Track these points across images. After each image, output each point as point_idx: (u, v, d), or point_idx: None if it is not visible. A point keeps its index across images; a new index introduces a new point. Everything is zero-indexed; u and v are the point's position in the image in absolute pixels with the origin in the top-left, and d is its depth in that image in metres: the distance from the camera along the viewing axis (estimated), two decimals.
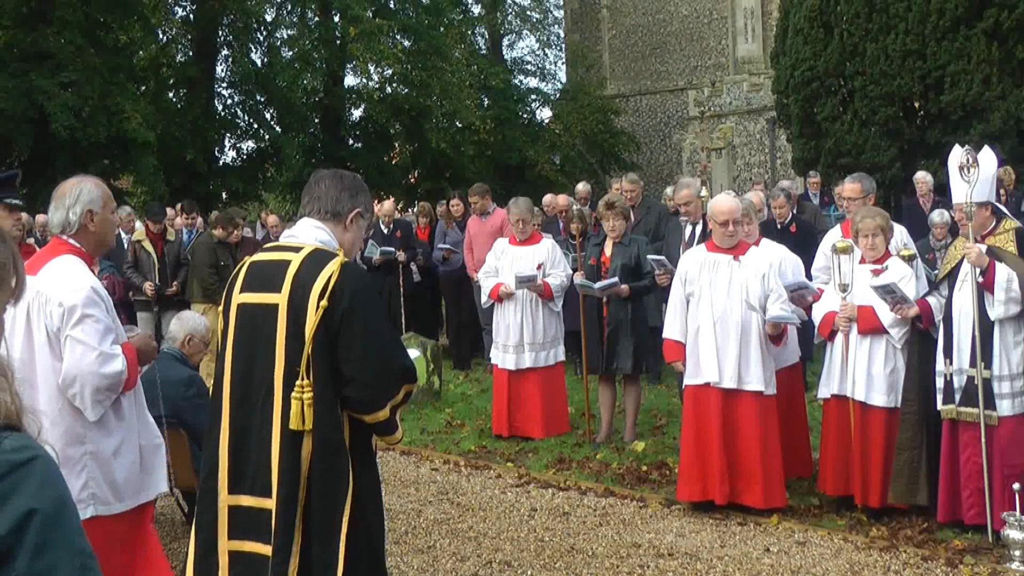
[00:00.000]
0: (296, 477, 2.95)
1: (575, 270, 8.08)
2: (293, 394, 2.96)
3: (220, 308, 3.25)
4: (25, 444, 1.49)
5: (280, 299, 3.02)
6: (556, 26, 33.92)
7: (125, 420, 3.64)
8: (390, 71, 25.07)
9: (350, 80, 26.88)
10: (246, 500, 3.04)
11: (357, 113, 26.99)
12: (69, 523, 1.49)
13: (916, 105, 15.41)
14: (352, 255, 3.31)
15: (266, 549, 2.98)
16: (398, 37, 25.09)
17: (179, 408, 5.37)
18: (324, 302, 2.95)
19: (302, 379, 2.95)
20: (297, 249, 3.11)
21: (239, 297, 3.14)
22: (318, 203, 3.22)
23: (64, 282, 3.52)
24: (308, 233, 3.17)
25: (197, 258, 10.20)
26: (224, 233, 10.39)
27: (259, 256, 3.24)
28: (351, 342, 2.97)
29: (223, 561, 3.05)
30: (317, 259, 3.04)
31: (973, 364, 5.35)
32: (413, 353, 3.37)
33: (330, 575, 2.93)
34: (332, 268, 2.99)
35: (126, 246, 10.61)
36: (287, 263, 3.06)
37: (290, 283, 3.02)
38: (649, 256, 7.81)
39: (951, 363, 5.47)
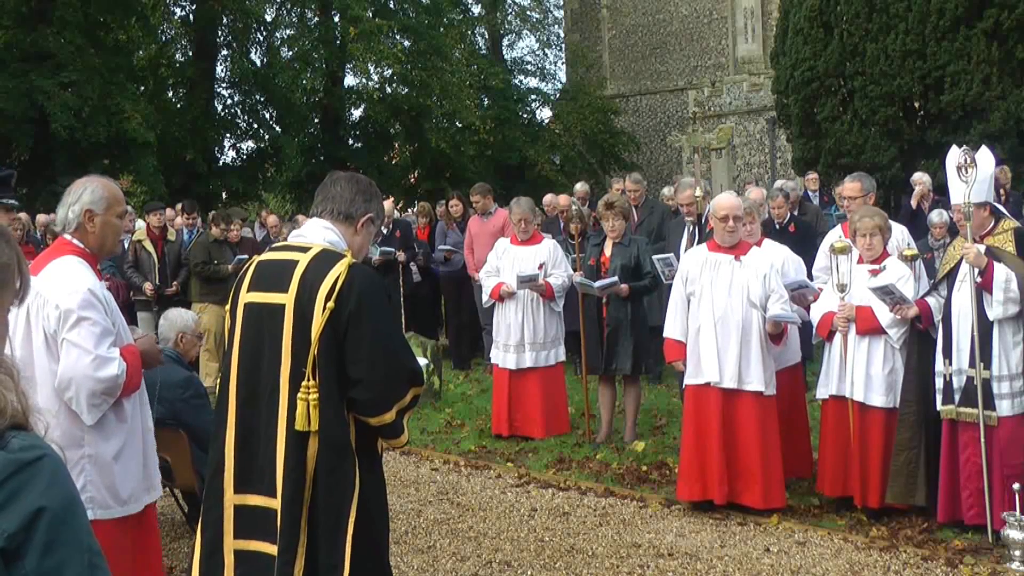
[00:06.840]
0: (301, 477, 2.94)
1: (574, 270, 8.08)
2: (299, 395, 2.94)
3: (227, 307, 3.24)
4: (33, 443, 1.50)
5: (287, 299, 3.01)
6: (556, 26, 34.00)
7: (127, 423, 3.58)
8: (390, 71, 25.08)
9: (350, 80, 26.95)
10: (252, 499, 3.03)
11: (357, 113, 27.04)
12: (77, 521, 1.50)
13: (916, 105, 15.41)
14: (359, 259, 3.31)
15: (272, 548, 2.97)
16: (398, 37, 25.10)
17: (177, 409, 5.37)
18: (331, 303, 2.94)
19: (308, 380, 2.94)
20: (305, 249, 3.09)
21: (246, 296, 3.13)
22: (331, 204, 3.21)
23: (62, 284, 3.48)
24: (317, 233, 3.16)
25: (192, 257, 10.27)
26: (221, 231, 10.40)
27: (267, 255, 3.23)
28: (358, 343, 2.95)
29: (228, 560, 3.05)
30: (325, 259, 3.03)
31: (972, 364, 5.35)
32: (420, 361, 3.35)
33: None
34: (340, 269, 2.98)
35: (126, 246, 10.60)
36: (294, 263, 3.05)
37: (297, 283, 3.00)
38: (655, 256, 7.80)
39: (950, 363, 5.46)
